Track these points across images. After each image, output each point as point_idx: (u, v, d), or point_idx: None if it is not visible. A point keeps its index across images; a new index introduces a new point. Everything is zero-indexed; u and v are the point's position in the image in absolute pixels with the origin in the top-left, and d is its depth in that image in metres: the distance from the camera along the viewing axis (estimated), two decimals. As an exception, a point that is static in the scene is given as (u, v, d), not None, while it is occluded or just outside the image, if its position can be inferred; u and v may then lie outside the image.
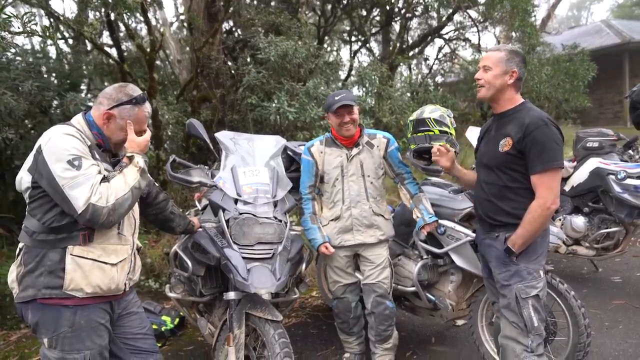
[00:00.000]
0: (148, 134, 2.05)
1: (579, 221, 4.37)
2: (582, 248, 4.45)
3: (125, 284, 2.03)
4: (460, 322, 3.60)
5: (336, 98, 2.88)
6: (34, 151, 1.84)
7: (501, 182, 2.31)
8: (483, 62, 2.37)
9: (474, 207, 2.59)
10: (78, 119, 1.99)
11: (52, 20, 5.95)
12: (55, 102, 5.55)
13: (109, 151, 2.05)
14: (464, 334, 3.63)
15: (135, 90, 2.04)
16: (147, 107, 2.07)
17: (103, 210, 1.79)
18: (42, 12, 6.91)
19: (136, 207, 2.14)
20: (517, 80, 2.32)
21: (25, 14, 3.69)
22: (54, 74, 6.60)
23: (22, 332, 4.24)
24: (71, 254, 1.84)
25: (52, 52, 7.90)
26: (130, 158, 1.96)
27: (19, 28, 3.71)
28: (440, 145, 2.61)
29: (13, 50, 5.32)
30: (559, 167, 2.19)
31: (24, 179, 1.87)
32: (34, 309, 1.87)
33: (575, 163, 4.58)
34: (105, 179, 1.85)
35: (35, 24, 3.97)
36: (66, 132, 1.85)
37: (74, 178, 1.76)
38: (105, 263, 1.91)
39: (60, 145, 1.80)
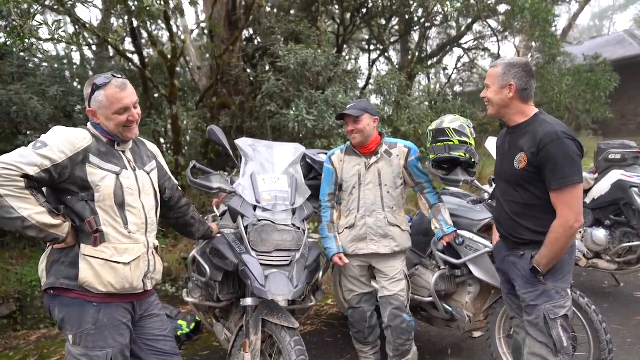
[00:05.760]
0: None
1: (600, 234, 4.28)
2: (603, 262, 4.36)
3: (144, 283, 2.06)
4: (477, 334, 3.56)
5: (347, 107, 2.96)
6: None
7: (521, 199, 2.24)
8: (486, 80, 2.34)
9: (495, 223, 2.55)
10: (89, 124, 2.06)
11: (77, 27, 6.08)
12: (78, 107, 5.66)
13: (123, 142, 2.08)
14: (480, 346, 3.59)
15: (97, 78, 1.98)
16: (114, 83, 1.97)
17: None
18: (68, 19, 7.08)
19: (148, 206, 2.11)
20: (518, 92, 2.22)
21: (55, 21, 3.78)
22: (77, 79, 6.74)
23: (42, 332, 4.32)
24: (83, 254, 1.90)
25: (76, 58, 8.09)
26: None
27: (49, 35, 3.80)
28: None
29: (40, 56, 5.45)
30: (576, 183, 2.06)
31: None
32: (61, 305, 1.93)
33: (596, 175, 4.51)
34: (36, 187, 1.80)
35: (64, 32, 4.07)
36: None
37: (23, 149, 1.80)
38: (118, 263, 1.95)
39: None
